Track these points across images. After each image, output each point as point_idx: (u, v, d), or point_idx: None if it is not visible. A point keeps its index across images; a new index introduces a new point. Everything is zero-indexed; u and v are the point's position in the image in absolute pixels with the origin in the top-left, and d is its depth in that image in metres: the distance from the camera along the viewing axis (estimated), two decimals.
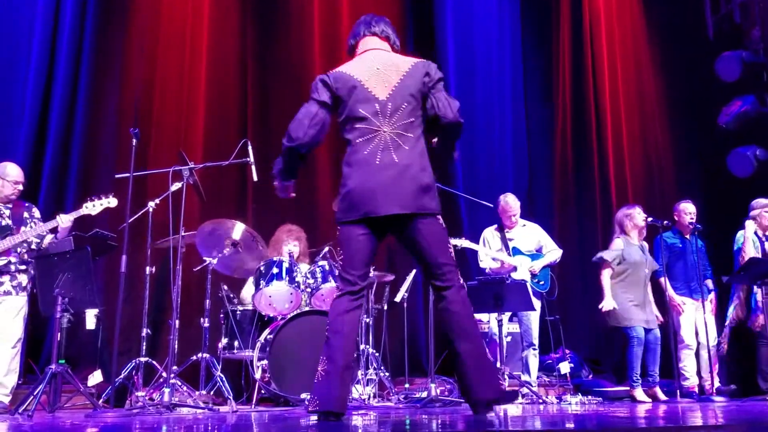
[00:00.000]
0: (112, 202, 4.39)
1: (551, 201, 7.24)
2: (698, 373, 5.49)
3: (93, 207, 4.33)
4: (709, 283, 5.53)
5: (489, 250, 5.53)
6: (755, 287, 5.19)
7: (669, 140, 7.30)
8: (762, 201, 5.46)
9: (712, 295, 5.53)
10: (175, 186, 4.09)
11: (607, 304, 5.31)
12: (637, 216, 5.54)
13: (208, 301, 4.31)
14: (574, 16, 7.46)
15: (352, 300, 2.86)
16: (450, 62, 7.11)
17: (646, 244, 5.62)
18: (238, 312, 4.68)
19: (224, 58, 6.32)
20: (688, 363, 5.46)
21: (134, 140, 3.91)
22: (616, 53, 7.39)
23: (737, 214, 5.78)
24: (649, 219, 5.52)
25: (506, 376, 4.83)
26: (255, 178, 4.21)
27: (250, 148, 4.18)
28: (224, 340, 4.62)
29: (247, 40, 6.43)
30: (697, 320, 5.40)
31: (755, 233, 5.37)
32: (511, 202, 5.57)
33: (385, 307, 5.44)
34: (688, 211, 5.58)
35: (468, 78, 7.25)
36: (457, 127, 3.01)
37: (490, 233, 5.64)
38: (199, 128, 6.03)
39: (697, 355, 5.49)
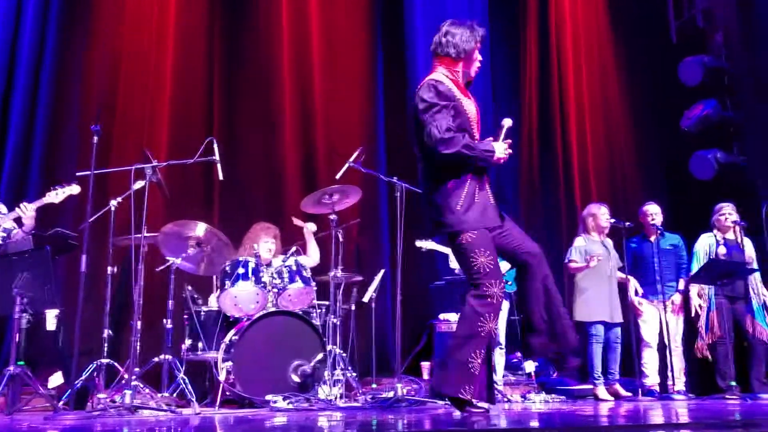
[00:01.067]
0: (74, 189, 4.28)
1: (517, 201, 7.30)
2: (661, 371, 5.59)
3: (56, 195, 4.23)
4: (681, 283, 5.61)
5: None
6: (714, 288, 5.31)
7: (633, 142, 7.41)
8: (721, 206, 5.57)
9: (676, 295, 5.61)
10: (138, 184, 4.02)
11: (592, 263, 5.36)
12: (601, 216, 5.64)
13: (171, 301, 4.24)
14: (541, 19, 7.53)
15: None
16: (419, 62, 7.12)
17: (609, 241, 5.72)
18: (202, 313, 4.61)
19: (191, 55, 6.23)
20: (649, 361, 5.56)
21: (95, 137, 3.83)
22: (581, 55, 7.48)
23: (699, 215, 5.90)
24: (612, 220, 5.63)
25: None
26: (221, 177, 4.16)
27: (215, 146, 4.12)
28: (188, 342, 4.55)
29: (215, 37, 6.34)
30: (662, 320, 5.49)
31: (715, 236, 5.49)
32: None
33: (353, 308, 5.42)
34: (650, 212, 5.68)
35: None
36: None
37: None
38: (163, 126, 5.93)
39: (662, 354, 5.59)
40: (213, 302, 4.84)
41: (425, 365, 6.12)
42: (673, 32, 7.31)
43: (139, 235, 3.80)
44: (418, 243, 5.40)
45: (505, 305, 5.43)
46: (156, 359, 4.13)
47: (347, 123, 6.69)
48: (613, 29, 7.67)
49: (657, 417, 3.19)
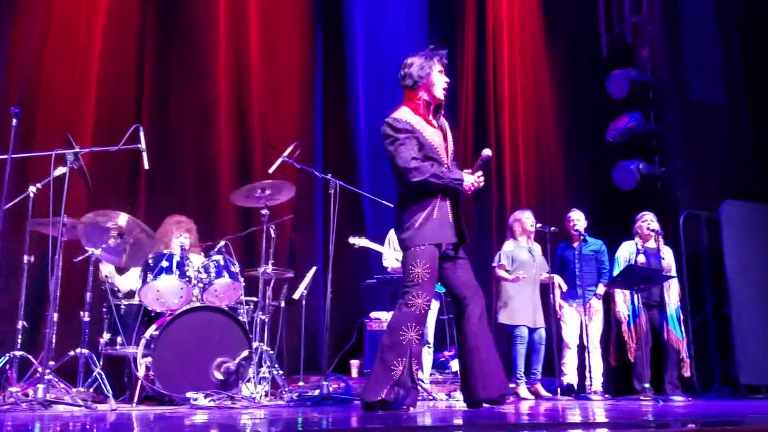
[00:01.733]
0: None
1: None
2: (579, 372, 5.78)
3: None
4: (601, 287, 5.80)
5: (393, 251, 5.58)
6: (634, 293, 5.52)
7: (562, 150, 7.63)
8: (642, 214, 5.80)
9: (593, 300, 5.80)
10: (59, 170, 3.84)
11: (517, 275, 5.55)
12: (526, 221, 5.80)
13: (89, 293, 4.07)
14: (479, 26, 7.66)
15: None
16: (358, 64, 7.14)
17: (537, 246, 5.87)
18: (122, 306, 4.45)
19: (122, 37, 5.96)
20: (568, 362, 5.74)
21: (14, 120, 3.64)
22: (516, 63, 7.64)
23: (621, 224, 6.13)
24: (538, 225, 5.79)
25: None
26: (146, 166, 4.02)
27: (141, 134, 3.98)
28: (106, 336, 4.38)
29: (148, 20, 6.09)
30: (582, 323, 5.68)
31: (636, 245, 5.71)
32: None
33: (283, 304, 5.36)
34: (573, 218, 5.87)
35: (376, 79, 7.29)
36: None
37: (394, 233, 5.69)
38: (90, 111, 5.67)
39: (581, 355, 5.78)
40: (125, 284, 4.68)
41: (354, 363, 6.13)
42: (603, 45, 7.58)
43: (58, 221, 3.64)
44: (351, 240, 5.40)
45: (435, 305, 5.49)
46: (72, 353, 3.96)
47: (284, 117, 6.61)
48: (548, 39, 7.87)
49: (574, 416, 3.29)
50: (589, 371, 5.67)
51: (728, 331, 6.32)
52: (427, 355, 5.49)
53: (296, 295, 5.39)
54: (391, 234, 5.73)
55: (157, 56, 6.11)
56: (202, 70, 6.23)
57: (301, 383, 5.22)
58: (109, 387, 3.81)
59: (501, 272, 5.68)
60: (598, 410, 3.88)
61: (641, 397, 5.14)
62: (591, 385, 5.63)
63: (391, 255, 5.56)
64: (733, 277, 6.38)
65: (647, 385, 5.21)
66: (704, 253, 6.63)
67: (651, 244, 5.65)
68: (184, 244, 4.76)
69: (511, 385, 5.62)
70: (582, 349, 5.73)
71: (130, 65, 5.99)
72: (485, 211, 7.37)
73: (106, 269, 4.64)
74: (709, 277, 6.51)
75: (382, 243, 5.66)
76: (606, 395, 5.62)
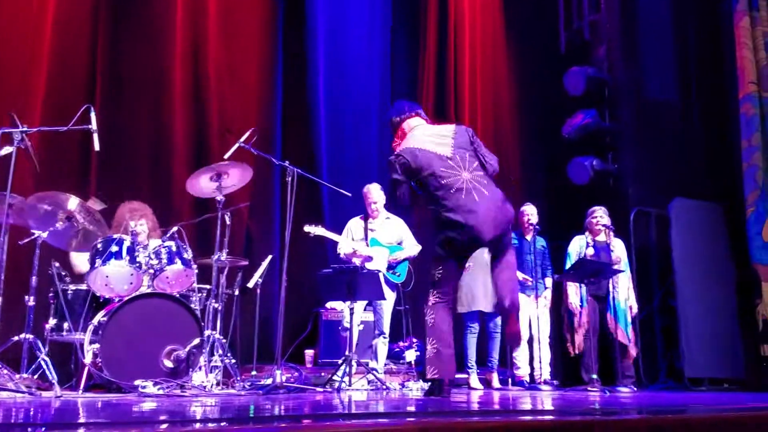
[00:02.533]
0: None
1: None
2: (530, 363, 5.88)
3: None
4: (548, 281, 5.91)
5: (350, 241, 5.57)
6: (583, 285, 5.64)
7: (519, 145, 7.73)
8: (593, 209, 5.91)
9: (547, 292, 5.92)
10: (5, 150, 3.71)
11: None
12: None
13: (34, 278, 3.94)
14: (441, 18, 7.68)
15: None
16: (320, 54, 7.07)
17: None
18: (69, 291, 4.32)
19: (74, 12, 5.73)
20: (520, 354, 5.83)
21: None
22: (477, 58, 7.70)
23: (575, 218, 6.24)
24: None
25: (354, 363, 4.90)
26: (97, 148, 3.90)
27: (93, 115, 3.86)
28: (52, 321, 4.24)
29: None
30: (531, 314, 5.77)
31: (586, 239, 5.82)
32: (372, 190, 5.65)
33: (237, 293, 5.29)
34: (527, 212, 5.96)
35: (338, 69, 7.24)
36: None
37: (354, 223, 5.70)
38: (40, 88, 5.47)
39: (531, 346, 5.88)
40: (77, 263, 4.55)
41: (309, 353, 6.10)
42: (562, 42, 7.69)
43: (3, 202, 3.50)
44: (307, 228, 5.37)
45: (392, 296, 5.51)
46: (16, 338, 3.83)
47: (243, 101, 6.50)
48: (508, 35, 7.95)
49: (524, 404, 3.34)
50: (539, 362, 5.78)
51: (674, 324, 6.52)
52: (382, 346, 5.50)
53: (251, 284, 5.33)
54: (351, 222, 5.72)
55: (111, 34, 5.93)
56: (157, 49, 6.07)
57: (254, 372, 5.18)
58: (54, 374, 3.71)
59: None
60: (546, 399, 3.96)
61: (588, 388, 5.26)
62: (540, 375, 5.74)
63: (347, 244, 5.56)
64: (680, 273, 6.57)
65: (594, 376, 5.33)
66: (653, 249, 6.81)
67: (601, 237, 5.78)
68: (142, 231, 4.65)
69: (463, 375, 5.70)
70: (531, 340, 5.83)
71: (82, 40, 5.79)
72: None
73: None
74: (657, 272, 6.70)
75: (339, 232, 5.64)
76: (555, 382, 5.75)
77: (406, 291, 5.78)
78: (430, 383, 3.79)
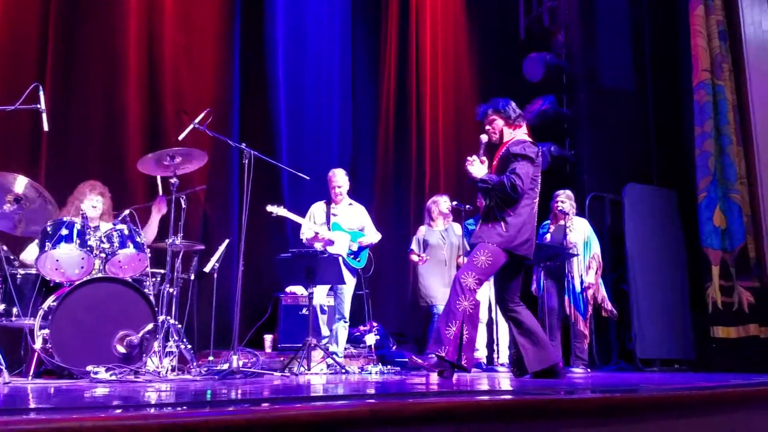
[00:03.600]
0: None
1: (372, 182, 7.40)
2: (488, 345, 5.95)
3: None
4: None
5: (312, 224, 5.55)
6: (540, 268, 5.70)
7: (479, 131, 7.73)
8: (556, 193, 5.97)
9: None
10: None
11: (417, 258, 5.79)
12: (442, 204, 5.96)
13: None
14: (402, 2, 7.63)
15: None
16: (279, 33, 6.96)
17: (455, 227, 5.99)
18: (18, 276, 4.18)
19: None
20: (478, 336, 5.88)
21: None
22: (438, 43, 7.69)
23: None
24: (454, 203, 5.91)
25: (317, 347, 4.91)
26: (46, 128, 3.77)
27: (41, 93, 3.72)
28: (1, 306, 4.11)
29: None
30: (491, 297, 5.82)
31: (547, 223, 5.89)
32: (337, 174, 5.65)
33: (193, 277, 5.21)
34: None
35: (298, 53, 7.15)
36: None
37: (317, 207, 5.69)
38: None
39: (489, 329, 5.95)
40: (29, 259, 4.42)
41: (268, 338, 6.06)
42: (521, 29, 7.73)
43: None
44: (269, 208, 5.32)
45: (351, 281, 5.50)
46: None
47: (199, 82, 6.36)
48: (469, 22, 7.96)
49: (481, 386, 3.38)
50: (497, 344, 5.85)
51: (626, 307, 6.67)
52: (343, 330, 5.50)
53: (207, 268, 5.24)
54: (314, 206, 5.70)
55: (63, 14, 5.72)
56: (111, 28, 5.89)
57: (211, 358, 5.11)
58: (2, 360, 3.59)
59: (413, 257, 5.83)
60: (504, 380, 4.01)
61: None
62: (498, 357, 5.81)
63: (310, 227, 5.53)
64: (633, 257, 6.72)
65: None
66: (606, 233, 6.94)
67: (562, 222, 5.83)
68: (96, 207, 4.53)
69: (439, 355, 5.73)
70: (491, 323, 5.90)
71: (32, 22, 5.57)
72: (404, 194, 7.42)
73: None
74: (611, 256, 6.83)
75: (299, 215, 5.59)
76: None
77: (366, 276, 5.80)
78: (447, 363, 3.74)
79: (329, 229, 5.54)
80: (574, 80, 7.34)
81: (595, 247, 5.85)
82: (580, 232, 5.83)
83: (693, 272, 6.85)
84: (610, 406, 2.37)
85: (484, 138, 4.12)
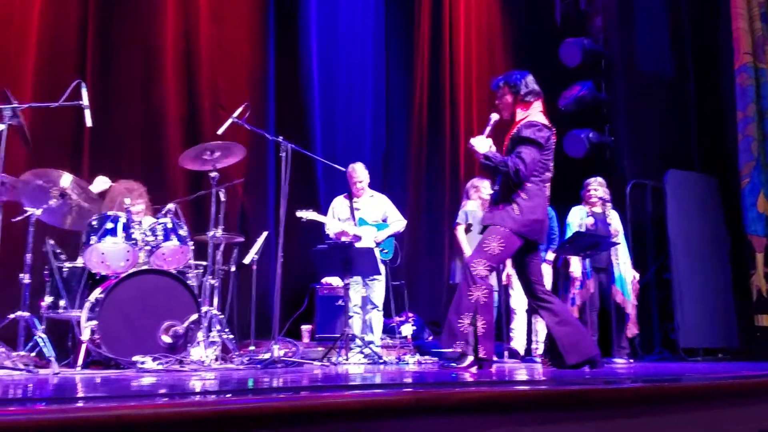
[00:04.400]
0: None
1: (406, 174, 7.41)
2: (526, 336, 5.91)
3: None
4: (550, 254, 5.89)
5: (336, 221, 5.60)
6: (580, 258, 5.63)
7: None
8: (589, 181, 5.89)
9: (544, 266, 5.90)
10: None
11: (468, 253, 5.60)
12: (483, 190, 5.85)
13: (29, 255, 3.93)
14: None
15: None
16: (312, 23, 6.98)
17: None
18: (65, 269, 4.31)
19: None
20: (516, 326, 5.86)
21: None
22: (472, 29, 7.62)
23: (569, 191, 6.22)
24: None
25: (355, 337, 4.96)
26: (89, 124, 3.86)
27: (84, 90, 3.81)
28: (48, 299, 4.24)
29: None
30: None
31: (585, 209, 5.81)
32: (357, 169, 5.65)
33: (233, 269, 5.30)
34: None
35: (331, 37, 7.17)
36: None
37: (338, 202, 5.72)
38: (29, 65, 5.39)
39: (529, 320, 5.90)
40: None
41: (306, 328, 6.13)
42: (557, 13, 7.61)
43: None
44: (299, 213, 5.37)
45: (382, 271, 5.53)
46: (12, 316, 3.83)
47: (235, 78, 6.44)
48: (503, 7, 7.86)
49: (519, 376, 3.37)
50: (535, 335, 5.81)
51: (669, 296, 6.55)
52: (377, 319, 5.53)
53: (247, 260, 5.33)
54: (335, 201, 5.76)
55: (102, 10, 5.83)
56: (147, 20, 5.98)
57: (252, 347, 5.20)
58: (51, 350, 3.71)
59: (460, 233, 5.73)
60: (542, 370, 3.99)
61: None
62: (537, 348, 5.77)
63: (335, 224, 5.59)
64: (675, 245, 6.59)
65: None
66: (648, 221, 6.82)
67: (598, 209, 5.75)
68: (139, 211, 4.62)
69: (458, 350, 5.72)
70: (530, 314, 5.85)
71: (72, 14, 5.69)
72: (438, 180, 7.40)
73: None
74: (653, 244, 6.71)
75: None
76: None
77: (395, 266, 5.81)
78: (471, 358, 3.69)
79: (355, 224, 5.59)
80: (612, 65, 7.20)
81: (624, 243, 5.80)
82: (617, 223, 5.75)
83: (736, 260, 6.70)
84: (651, 396, 2.35)
85: (494, 117, 3.96)
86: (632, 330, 5.68)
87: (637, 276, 5.79)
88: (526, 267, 3.93)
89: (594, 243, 5.39)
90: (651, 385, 2.49)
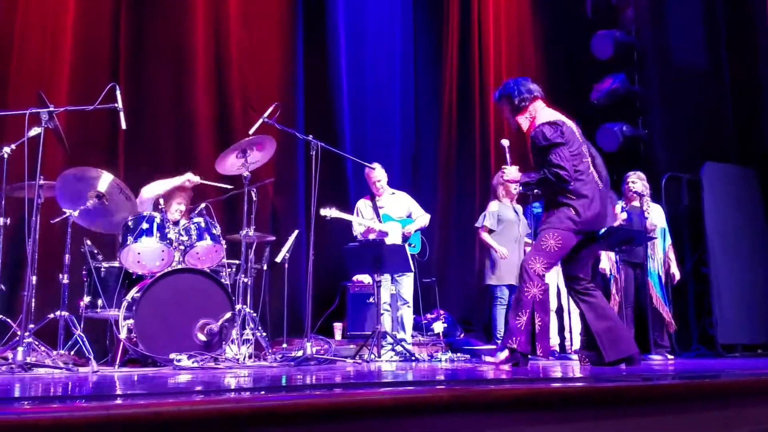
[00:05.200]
0: None
1: (436, 170, 7.39)
2: (559, 333, 5.85)
3: None
4: None
5: (362, 219, 5.62)
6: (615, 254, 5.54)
7: None
8: (627, 174, 5.77)
9: None
10: (34, 131, 3.75)
11: (501, 250, 5.59)
12: (510, 185, 5.79)
13: (67, 256, 4.01)
14: None
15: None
16: (341, 22, 7.00)
17: (519, 207, 5.91)
18: (102, 269, 4.40)
19: None
20: (549, 323, 5.78)
21: None
22: (501, 25, 7.56)
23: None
24: (521, 188, 5.78)
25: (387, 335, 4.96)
26: (123, 126, 3.93)
27: (118, 93, 3.88)
28: (86, 299, 4.33)
29: None
30: (560, 283, 5.71)
31: (621, 204, 5.72)
32: (377, 170, 5.67)
33: (265, 268, 5.35)
34: None
35: (359, 36, 7.18)
36: None
37: (362, 203, 5.76)
38: (64, 68, 5.51)
39: (560, 316, 5.84)
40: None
41: (338, 326, 6.16)
42: (588, 6, 7.50)
43: (34, 183, 3.56)
44: (323, 212, 5.39)
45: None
46: (51, 315, 3.92)
47: (265, 78, 6.49)
48: (532, 1, 7.78)
49: (554, 373, 3.33)
50: (569, 332, 5.74)
51: (707, 291, 6.42)
52: (408, 315, 5.52)
53: (278, 259, 5.37)
54: (359, 203, 5.78)
55: (134, 14, 5.93)
56: (178, 24, 6.06)
57: (284, 345, 5.24)
58: (90, 349, 3.79)
59: (485, 236, 5.71)
60: (577, 367, 3.94)
61: None
62: (571, 345, 5.70)
63: (360, 223, 5.62)
64: (713, 238, 6.46)
65: None
66: (684, 215, 6.69)
67: (635, 203, 5.65)
68: (181, 211, 4.68)
69: (492, 347, 5.70)
70: (561, 310, 5.79)
71: (105, 23, 5.80)
72: (469, 175, 7.36)
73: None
74: (689, 238, 6.59)
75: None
76: None
77: (423, 261, 5.81)
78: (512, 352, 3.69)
79: (380, 222, 5.61)
80: (644, 57, 7.08)
81: (669, 237, 5.67)
82: (658, 217, 5.64)
83: None
84: (692, 392, 2.30)
85: (505, 143, 4.08)
86: (669, 327, 5.57)
87: (677, 276, 5.65)
88: (575, 259, 3.87)
89: (628, 238, 5.30)
90: (690, 382, 2.44)
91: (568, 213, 3.72)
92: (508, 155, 3.96)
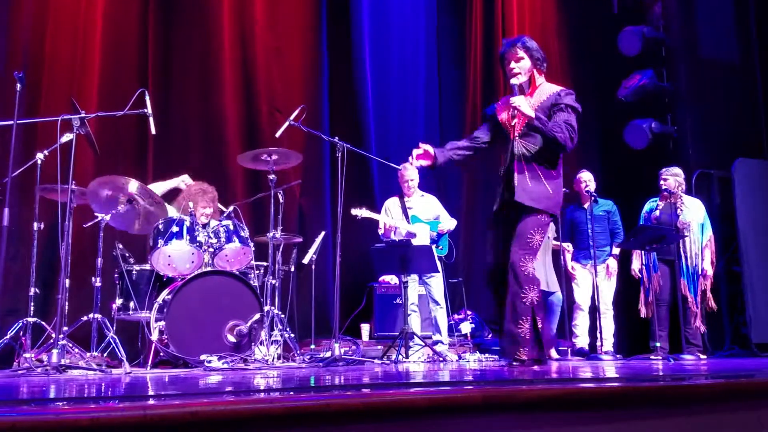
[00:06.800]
0: None
1: (461, 171, 7.35)
2: (591, 333, 5.78)
3: None
4: (614, 249, 5.75)
5: (390, 219, 5.62)
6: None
7: None
8: (662, 171, 5.66)
9: (610, 260, 5.76)
10: (66, 137, 3.82)
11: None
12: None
13: (100, 259, 4.08)
14: None
15: None
16: (365, 25, 7.01)
17: None
18: (133, 272, 4.47)
19: (124, 3, 5.89)
20: (580, 323, 5.74)
21: (18, 85, 3.61)
22: (526, 22, 7.50)
23: (632, 183, 6.06)
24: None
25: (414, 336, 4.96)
26: (153, 131, 3.99)
27: (147, 98, 3.94)
28: (119, 301, 4.41)
29: None
30: (594, 284, 5.63)
31: (655, 201, 5.64)
32: (409, 169, 5.66)
33: (293, 269, 5.38)
34: (583, 179, 5.80)
35: (383, 38, 7.19)
36: None
37: (391, 202, 5.76)
38: (94, 75, 5.61)
39: (593, 316, 5.77)
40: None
41: (365, 327, 6.17)
42: (614, 1, 7.42)
43: (67, 187, 3.63)
44: (354, 211, 5.40)
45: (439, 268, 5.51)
46: (85, 318, 3.99)
47: (290, 80, 6.53)
48: None
49: (583, 373, 3.30)
50: (600, 332, 5.67)
51: (739, 289, 6.31)
52: (441, 315, 5.49)
53: (306, 260, 5.40)
54: (388, 202, 5.77)
55: (161, 20, 6.02)
56: (205, 30, 6.14)
57: (312, 346, 5.27)
58: (123, 351, 3.85)
59: None
60: (609, 367, 3.90)
61: (651, 356, 5.13)
62: (602, 345, 5.62)
63: (387, 222, 5.61)
64: (745, 236, 6.35)
65: (658, 344, 5.20)
66: (716, 212, 6.57)
67: (669, 200, 5.56)
68: (207, 214, 4.73)
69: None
70: (594, 310, 5.72)
71: (133, 27, 5.89)
72: (493, 175, 7.30)
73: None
74: (721, 235, 6.47)
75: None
76: (618, 355, 5.61)
77: (450, 263, 5.79)
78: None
79: (409, 223, 5.60)
80: (673, 53, 6.97)
81: (709, 231, 5.54)
82: (694, 212, 5.52)
83: None
84: (728, 392, 2.26)
85: (516, 81, 3.62)
86: (697, 324, 5.45)
87: (709, 272, 5.52)
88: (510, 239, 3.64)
89: (659, 236, 5.22)
90: (723, 382, 2.40)
91: (545, 191, 3.52)
92: (516, 93, 3.60)
